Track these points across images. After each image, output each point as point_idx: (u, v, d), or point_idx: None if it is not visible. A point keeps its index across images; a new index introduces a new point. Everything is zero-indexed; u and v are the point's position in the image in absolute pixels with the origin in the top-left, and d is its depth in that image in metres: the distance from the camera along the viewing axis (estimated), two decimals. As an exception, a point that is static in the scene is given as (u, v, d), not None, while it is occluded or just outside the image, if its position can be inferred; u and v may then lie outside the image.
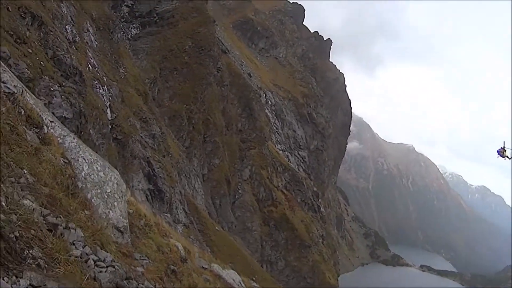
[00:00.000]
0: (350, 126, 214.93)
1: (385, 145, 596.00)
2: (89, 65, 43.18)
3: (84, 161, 9.03)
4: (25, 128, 7.88)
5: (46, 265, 4.94)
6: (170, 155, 59.22)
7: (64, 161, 8.42)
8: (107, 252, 7.07)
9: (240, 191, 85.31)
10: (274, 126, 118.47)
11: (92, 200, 8.58)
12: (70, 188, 7.75)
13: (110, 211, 9.04)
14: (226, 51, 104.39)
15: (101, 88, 44.59)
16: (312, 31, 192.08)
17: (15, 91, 8.51)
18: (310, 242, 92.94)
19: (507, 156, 15.64)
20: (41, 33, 31.73)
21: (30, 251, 4.84)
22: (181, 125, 68.61)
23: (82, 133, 35.14)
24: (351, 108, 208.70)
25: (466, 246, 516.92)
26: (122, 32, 65.52)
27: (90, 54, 44.62)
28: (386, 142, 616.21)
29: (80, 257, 5.97)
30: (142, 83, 61.68)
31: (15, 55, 25.31)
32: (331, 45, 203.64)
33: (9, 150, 6.51)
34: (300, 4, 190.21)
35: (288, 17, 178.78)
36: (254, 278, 41.21)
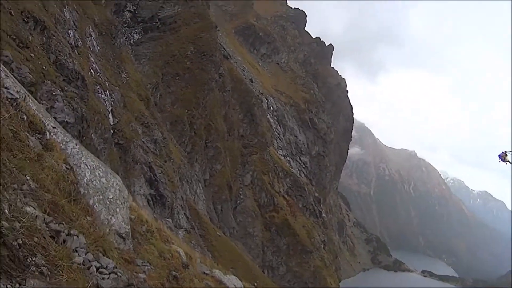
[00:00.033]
0: (351, 131, 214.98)
1: (387, 150, 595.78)
2: (91, 70, 43.18)
3: (86, 167, 9.03)
4: (28, 134, 7.87)
5: (49, 273, 4.93)
6: (171, 160, 59.20)
7: (66, 167, 8.41)
8: (110, 258, 7.06)
9: (241, 196, 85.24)
10: (276, 131, 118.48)
11: (94, 206, 8.57)
12: (72, 194, 7.74)
13: (112, 217, 9.03)
14: (228, 57, 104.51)
15: (103, 93, 44.60)
16: (313, 37, 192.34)
17: (18, 97, 8.51)
18: (312, 247, 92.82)
19: (508, 161, 15.61)
20: (44, 38, 31.75)
21: (33, 259, 4.83)
22: (183, 131, 68.62)
23: (84, 138, 35.12)
24: (352, 113, 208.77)
25: (468, 251, 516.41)
26: (124, 37, 65.62)
27: (92, 59, 44.63)
28: (388, 148, 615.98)
29: (83, 264, 5.97)
30: (144, 88, 61.71)
31: (17, 59, 25.32)
32: (333, 50, 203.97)
33: (12, 156, 6.51)
34: (301, 10, 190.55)
35: (290, 22, 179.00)
36: (255, 284, 41.08)
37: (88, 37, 46.89)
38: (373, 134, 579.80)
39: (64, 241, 5.93)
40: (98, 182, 9.08)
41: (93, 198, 8.66)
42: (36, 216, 5.59)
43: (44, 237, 5.39)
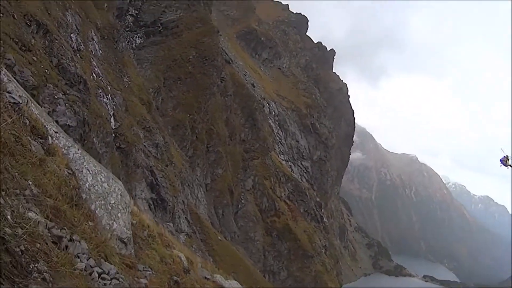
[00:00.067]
0: (353, 136, 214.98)
1: (388, 155, 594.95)
2: (94, 74, 43.25)
3: (88, 172, 9.03)
4: (30, 139, 7.88)
5: (51, 279, 4.93)
6: (173, 165, 59.21)
7: (68, 172, 8.41)
8: (111, 264, 7.05)
9: (243, 201, 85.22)
10: (277, 136, 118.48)
11: (96, 211, 8.56)
12: (74, 199, 7.73)
13: (114, 222, 9.02)
14: (230, 61, 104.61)
15: (105, 97, 44.65)
16: (315, 42, 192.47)
17: (20, 101, 8.51)
18: (313, 252, 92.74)
19: (510, 165, 15.61)
20: (46, 41, 31.80)
21: (36, 265, 4.83)
22: (184, 135, 68.66)
23: (86, 141, 35.15)
24: (354, 118, 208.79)
25: (469, 256, 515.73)
26: (126, 42, 65.75)
27: (94, 63, 44.70)
28: (389, 153, 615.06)
29: (85, 270, 5.97)
30: (146, 93, 61.77)
31: (20, 63, 25.36)
32: (335, 55, 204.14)
33: (14, 161, 6.51)
34: (303, 15, 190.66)
35: (292, 27, 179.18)
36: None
37: (91, 41, 46.96)
38: (374, 139, 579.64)
39: (66, 246, 5.93)
40: (100, 187, 9.07)
41: (95, 203, 8.65)
42: (38, 221, 5.59)
43: (47, 243, 5.38)
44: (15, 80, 10.56)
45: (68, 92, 31.87)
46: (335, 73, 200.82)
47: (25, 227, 5.03)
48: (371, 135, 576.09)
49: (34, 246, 5.03)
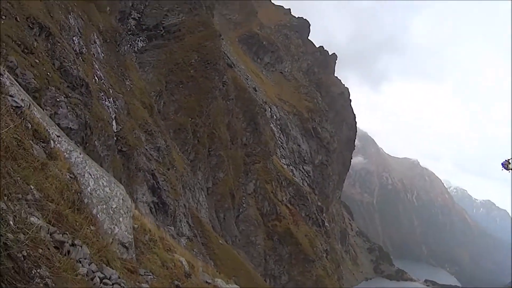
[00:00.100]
0: (354, 140, 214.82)
1: (390, 159, 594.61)
2: (96, 77, 43.28)
3: (90, 176, 9.03)
4: (32, 143, 7.87)
5: (53, 284, 4.91)
6: (174, 168, 59.20)
7: (70, 176, 8.40)
8: (113, 268, 7.05)
9: (244, 205, 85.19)
10: (279, 140, 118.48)
11: (98, 216, 8.56)
12: (76, 203, 7.73)
13: (116, 227, 9.02)
14: (232, 65, 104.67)
15: (107, 100, 44.67)
16: (317, 46, 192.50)
17: (23, 105, 8.51)
18: (314, 256, 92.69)
19: (511, 169, 15.55)
20: (49, 44, 31.87)
21: (38, 270, 4.81)
22: (186, 139, 68.67)
23: (87, 144, 35.18)
24: (355, 122, 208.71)
25: (471, 260, 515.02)
26: (128, 45, 65.81)
27: (96, 66, 44.74)
28: (391, 157, 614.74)
29: (87, 275, 5.96)
30: (147, 96, 61.81)
31: (22, 65, 25.43)
32: (336, 59, 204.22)
33: (16, 165, 6.50)
34: (305, 19, 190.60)
35: (294, 31, 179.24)
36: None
37: (93, 44, 47.02)
38: (376, 143, 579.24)
39: (68, 251, 5.92)
40: (102, 192, 9.08)
41: (96, 207, 8.65)
42: (41, 227, 5.58)
43: (49, 248, 5.38)
44: (17, 84, 10.57)
45: (70, 95, 31.93)
46: (336, 77, 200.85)
47: (27, 232, 5.02)
48: (373, 139, 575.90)
49: (36, 251, 5.02)
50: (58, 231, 6.04)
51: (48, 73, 29.28)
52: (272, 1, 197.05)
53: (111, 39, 53.83)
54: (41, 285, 4.70)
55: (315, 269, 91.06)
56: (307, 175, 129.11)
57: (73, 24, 40.98)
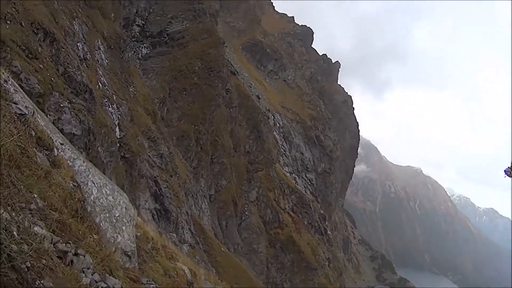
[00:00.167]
0: (357, 149, 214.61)
1: (393, 168, 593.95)
2: (99, 83, 43.35)
3: (93, 184, 9.01)
4: (36, 151, 7.87)
5: (57, 296, 4.90)
6: (177, 175, 59.18)
7: (73, 185, 8.39)
8: (116, 278, 7.03)
9: (246, 212, 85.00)
10: (282, 148, 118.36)
11: (101, 224, 8.55)
12: (79, 212, 7.72)
13: (118, 235, 9.00)
14: (235, 73, 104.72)
15: (110, 106, 44.74)
16: (320, 54, 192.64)
17: (26, 112, 8.51)
18: (316, 264, 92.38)
19: None
20: (53, 49, 31.95)
21: (42, 281, 4.80)
22: (189, 146, 68.66)
23: (90, 150, 35.21)
24: (359, 131, 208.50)
25: (474, 268, 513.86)
26: (132, 51, 65.97)
27: (100, 72, 44.82)
28: (394, 165, 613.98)
29: (90, 285, 5.95)
30: (151, 103, 61.89)
31: (26, 70, 25.52)
32: (339, 67, 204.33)
33: (20, 173, 6.49)
34: (308, 27, 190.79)
35: (297, 39, 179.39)
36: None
37: (97, 50, 47.14)
38: (379, 152, 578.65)
39: (71, 261, 5.91)
40: (105, 200, 9.06)
41: (99, 216, 8.63)
42: (44, 236, 5.56)
43: (52, 259, 5.37)
44: (21, 90, 10.57)
45: (73, 100, 31.98)
46: (340, 85, 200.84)
47: (31, 243, 5.01)
48: (376, 147, 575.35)
49: (40, 262, 5.01)
50: (61, 241, 6.02)
51: (52, 79, 29.35)
52: (276, 9, 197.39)
53: (115, 45, 53.96)
54: (45, 296, 4.68)
55: (317, 277, 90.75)
56: (309, 183, 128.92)
57: (77, 30, 41.12)
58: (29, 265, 4.71)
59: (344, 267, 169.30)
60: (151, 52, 70.69)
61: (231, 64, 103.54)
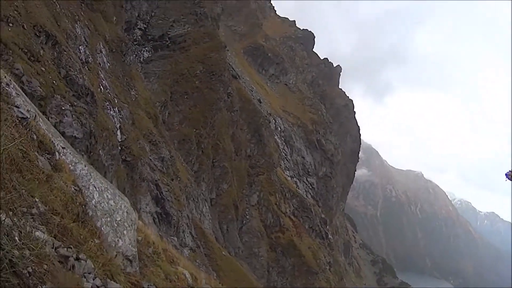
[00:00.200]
0: (359, 153, 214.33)
1: (394, 172, 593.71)
2: (101, 86, 43.40)
3: (95, 189, 9.01)
4: (37, 154, 7.87)
5: (58, 301, 4.89)
6: (178, 179, 59.16)
7: (75, 189, 8.39)
8: (117, 283, 7.02)
9: (247, 216, 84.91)
10: (283, 152, 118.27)
11: (102, 229, 8.54)
12: (80, 216, 7.71)
13: (120, 240, 8.99)
14: (237, 77, 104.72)
15: (112, 109, 44.76)
16: (322, 58, 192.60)
17: (28, 116, 8.51)
18: (317, 269, 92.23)
19: None
20: (55, 52, 32.01)
21: (43, 287, 4.80)
22: (190, 149, 68.64)
23: (92, 153, 35.22)
24: (360, 135, 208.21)
25: (475, 272, 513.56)
26: (134, 55, 66.05)
27: (102, 75, 44.87)
28: (395, 169, 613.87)
29: (91, 290, 5.93)
30: (152, 106, 61.91)
31: (28, 73, 25.57)
32: (341, 71, 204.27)
33: (21, 177, 6.49)
34: (310, 31, 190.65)
35: (299, 43, 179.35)
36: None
37: (99, 53, 47.18)
38: (380, 156, 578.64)
39: (73, 266, 5.90)
40: (106, 204, 9.05)
41: (101, 220, 8.63)
42: (46, 241, 5.56)
43: (54, 263, 5.36)
44: (23, 94, 10.57)
45: (75, 103, 32.00)
46: (341, 89, 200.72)
47: (32, 248, 5.00)
48: (377, 151, 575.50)
49: (41, 267, 5.00)
50: (62, 245, 6.02)
51: (54, 82, 29.39)
52: (278, 13, 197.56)
53: (117, 49, 54.01)
54: (46, 302, 4.67)
55: (318, 281, 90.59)
56: (311, 187, 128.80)
57: (79, 33, 41.18)
58: (30, 270, 4.70)
59: (345, 271, 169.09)
60: (152, 56, 70.78)
61: (233, 68, 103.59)
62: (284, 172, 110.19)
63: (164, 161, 56.01)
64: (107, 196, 9.24)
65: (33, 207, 6.10)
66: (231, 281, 56.74)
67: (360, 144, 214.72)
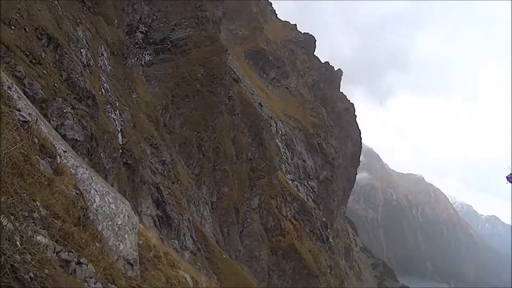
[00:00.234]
0: (359, 156, 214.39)
1: (395, 175, 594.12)
2: (102, 89, 43.39)
3: (96, 192, 9.00)
4: (39, 158, 7.87)
5: (59, 306, 4.88)
6: (179, 182, 59.14)
7: (76, 193, 8.38)
8: (118, 287, 7.00)
9: (248, 220, 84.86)
10: (284, 155, 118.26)
11: (103, 232, 8.53)
12: (81, 220, 7.71)
13: (121, 244, 8.98)
14: (238, 80, 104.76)
15: (113, 112, 44.74)
16: (323, 61, 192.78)
17: (30, 120, 8.51)
18: (318, 272, 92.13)
19: None
20: (57, 55, 32.04)
21: (45, 292, 4.78)
22: (191, 153, 68.64)
23: (93, 156, 35.23)
24: (361, 138, 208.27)
25: (476, 276, 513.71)
26: (135, 58, 66.08)
27: (103, 78, 44.87)
28: (396, 173, 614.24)
29: (92, 294, 5.93)
30: (153, 109, 61.92)
31: (30, 75, 25.61)
32: (342, 75, 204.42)
33: (23, 181, 6.48)
34: (311, 35, 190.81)
35: (300, 47, 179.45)
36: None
37: (100, 56, 47.18)
38: (381, 159, 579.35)
39: (74, 270, 5.89)
40: (108, 208, 9.05)
41: (102, 224, 8.62)
42: (47, 246, 5.55)
43: (55, 268, 5.35)
44: (25, 97, 10.57)
45: (76, 106, 32.04)
46: (342, 93, 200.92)
47: (34, 253, 4.99)
48: (378, 155, 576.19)
49: (43, 272, 5.00)
50: (64, 250, 6.02)
51: (56, 84, 29.43)
52: (279, 17, 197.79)
53: (118, 52, 54.04)
54: (47, 306, 4.67)
55: (319, 284, 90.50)
56: (311, 190, 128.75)
57: (81, 36, 41.19)
58: (32, 275, 4.70)
59: (345, 275, 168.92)
60: (154, 59, 70.83)
61: (234, 72, 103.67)
62: (285, 176, 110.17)
63: (165, 164, 55.99)
64: (108, 200, 9.24)
65: (34, 211, 6.09)
66: (231, 284, 56.73)
67: (361, 147, 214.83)
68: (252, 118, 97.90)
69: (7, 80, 9.21)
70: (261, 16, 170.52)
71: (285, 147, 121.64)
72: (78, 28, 41.10)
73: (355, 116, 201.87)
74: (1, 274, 4.29)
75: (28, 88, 24.27)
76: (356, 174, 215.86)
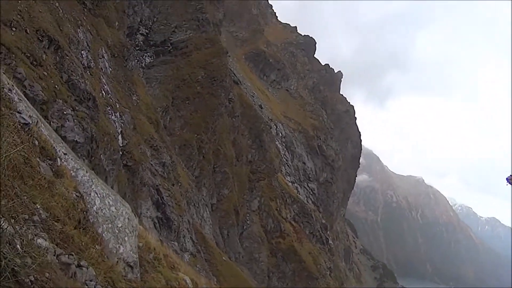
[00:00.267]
0: (359, 158, 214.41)
1: (395, 177, 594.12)
2: (103, 91, 43.38)
3: (96, 195, 9.01)
4: (39, 160, 7.87)
5: (60, 309, 4.88)
6: (179, 184, 59.11)
7: (76, 195, 8.38)
8: (118, 290, 7.01)
9: (248, 222, 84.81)
10: (284, 158, 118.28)
11: (103, 235, 8.53)
12: (82, 222, 7.71)
13: (121, 246, 8.98)
14: (238, 82, 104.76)
15: (113, 114, 44.72)
16: (323, 63, 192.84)
17: (30, 122, 8.51)
18: (318, 274, 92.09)
19: None
20: (57, 57, 32.05)
21: (45, 295, 4.78)
22: (191, 155, 68.62)
23: (93, 158, 35.21)
24: (361, 140, 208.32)
25: (476, 278, 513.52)
26: (136, 60, 66.09)
27: (104, 80, 44.86)
28: (396, 175, 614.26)
29: (92, 298, 5.93)
30: (154, 111, 61.92)
31: (30, 77, 25.63)
32: (342, 77, 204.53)
33: (23, 184, 6.49)
34: (311, 37, 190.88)
35: (300, 49, 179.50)
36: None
37: (101, 58, 47.18)
38: (381, 161, 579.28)
39: (74, 273, 5.90)
40: (108, 211, 9.05)
41: (102, 226, 8.62)
42: (47, 249, 5.56)
43: (55, 271, 5.36)
44: (25, 99, 10.58)
45: (77, 108, 32.04)
46: (342, 95, 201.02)
47: (34, 256, 4.99)
48: (378, 157, 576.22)
49: (43, 275, 5.00)
50: (64, 253, 6.02)
51: (56, 86, 29.45)
52: (279, 19, 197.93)
53: (119, 54, 54.04)
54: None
55: (318, 286, 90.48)
56: (311, 192, 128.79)
57: (82, 38, 41.20)
58: (32, 279, 4.70)
59: (345, 277, 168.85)
60: (154, 61, 70.84)
61: (234, 74, 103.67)
62: (285, 178, 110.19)
63: (165, 166, 55.99)
64: (108, 202, 9.24)
65: (34, 214, 6.10)
66: (231, 286, 56.74)
67: (361, 149, 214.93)
68: (252, 120, 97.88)
69: (8, 82, 9.22)
70: (262, 19, 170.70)
71: (285, 149, 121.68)
72: (78, 30, 41.12)
73: (355, 118, 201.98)
74: (2, 278, 4.29)
75: (29, 90, 24.31)
76: (356, 176, 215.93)
